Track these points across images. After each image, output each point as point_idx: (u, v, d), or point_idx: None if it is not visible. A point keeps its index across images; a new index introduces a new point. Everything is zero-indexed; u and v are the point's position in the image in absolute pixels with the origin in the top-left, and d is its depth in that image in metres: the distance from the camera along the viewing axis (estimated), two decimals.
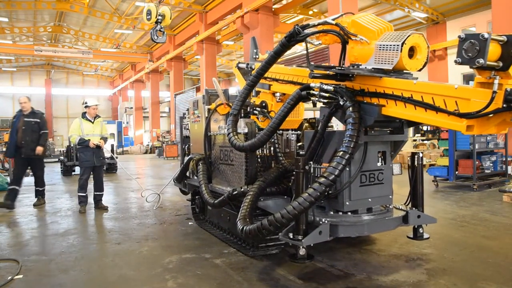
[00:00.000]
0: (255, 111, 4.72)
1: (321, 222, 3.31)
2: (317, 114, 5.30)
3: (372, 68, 3.13)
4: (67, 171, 13.83)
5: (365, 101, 3.24)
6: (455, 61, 2.45)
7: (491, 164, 8.84)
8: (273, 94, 4.67)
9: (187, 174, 6.13)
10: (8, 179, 10.93)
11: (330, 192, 3.30)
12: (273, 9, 17.87)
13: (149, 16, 12.58)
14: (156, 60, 30.64)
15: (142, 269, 3.87)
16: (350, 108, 3.13)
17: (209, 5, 21.32)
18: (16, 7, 22.22)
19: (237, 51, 30.26)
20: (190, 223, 5.85)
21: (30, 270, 3.91)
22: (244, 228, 3.41)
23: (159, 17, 12.62)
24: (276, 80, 4.46)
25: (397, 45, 2.98)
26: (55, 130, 39.96)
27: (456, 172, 8.54)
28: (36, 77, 40.65)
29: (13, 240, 5.09)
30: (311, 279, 3.48)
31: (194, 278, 3.59)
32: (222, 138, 4.99)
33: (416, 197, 3.85)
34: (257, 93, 4.85)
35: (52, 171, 15.78)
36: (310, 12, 21.06)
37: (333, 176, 2.95)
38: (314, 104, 4.99)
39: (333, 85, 3.31)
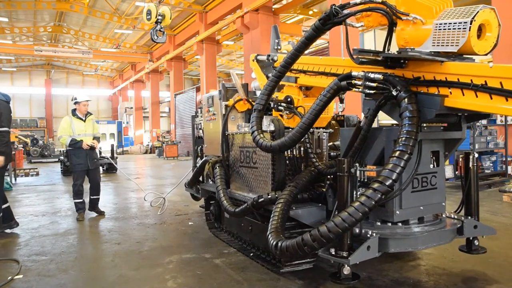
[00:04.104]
0: (280, 107, 4.23)
1: (368, 235, 2.86)
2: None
3: (431, 51, 2.66)
4: (67, 171, 13.80)
5: (421, 91, 2.78)
6: None
7: (491, 164, 8.83)
8: (300, 88, 4.25)
9: (200, 178, 5.67)
10: (8, 179, 10.95)
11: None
12: (273, 9, 17.90)
13: (149, 16, 12.62)
14: (156, 60, 30.66)
15: (142, 269, 3.87)
16: (406, 100, 2.66)
17: (209, 5, 21.35)
18: (16, 7, 22.28)
19: (237, 51, 30.31)
20: (190, 223, 5.85)
21: (30, 270, 3.90)
22: (279, 244, 2.94)
23: (159, 17, 12.66)
24: (304, 71, 3.96)
25: (465, 23, 2.49)
26: (55, 130, 40.01)
27: (456, 172, 8.52)
28: (36, 77, 40.72)
29: (13, 240, 5.09)
30: (311, 278, 3.48)
31: (194, 278, 3.58)
32: (242, 138, 4.47)
33: (470, 204, 3.40)
34: (280, 87, 4.41)
35: (52, 171, 15.80)
36: (310, 12, 21.09)
37: (391, 180, 2.51)
38: (342, 100, 4.62)
39: (382, 73, 2.84)
